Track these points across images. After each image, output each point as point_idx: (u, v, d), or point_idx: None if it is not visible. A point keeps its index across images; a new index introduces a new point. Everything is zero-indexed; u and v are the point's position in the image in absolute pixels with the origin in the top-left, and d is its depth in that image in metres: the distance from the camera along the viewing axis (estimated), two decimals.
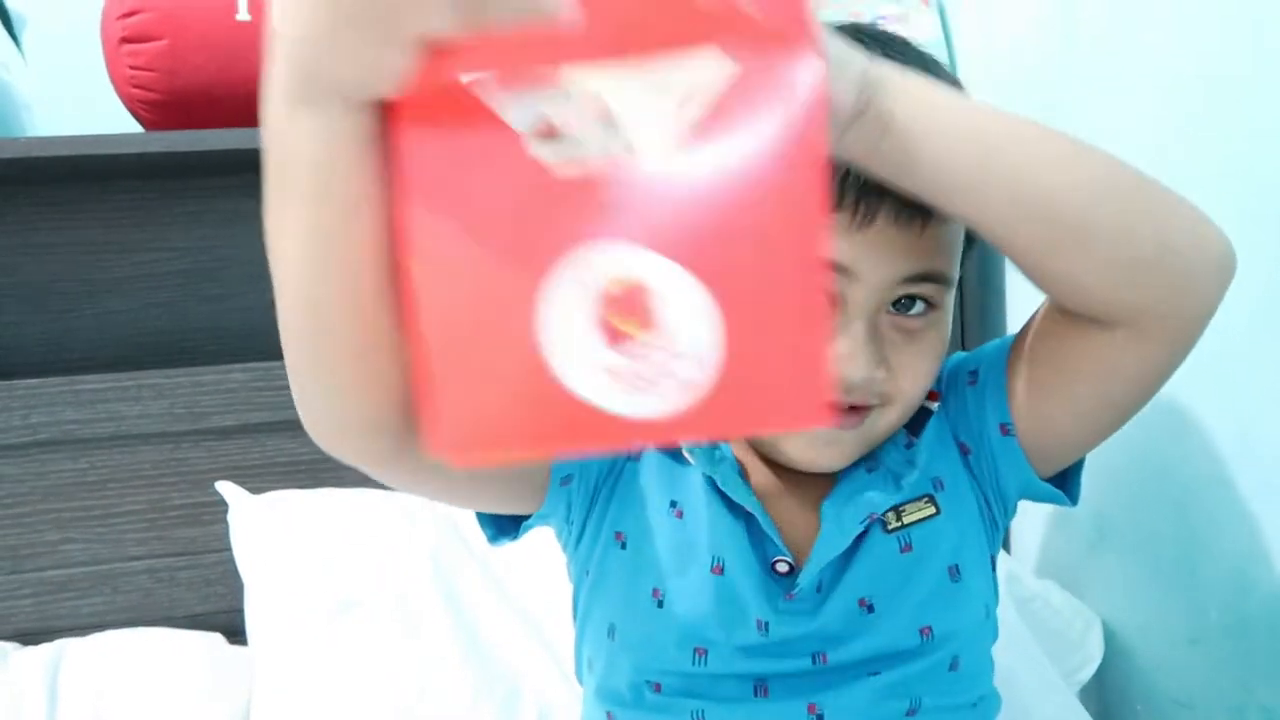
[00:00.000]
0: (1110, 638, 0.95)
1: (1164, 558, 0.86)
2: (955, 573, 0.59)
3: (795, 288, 0.32)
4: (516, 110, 0.31)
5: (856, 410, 0.55)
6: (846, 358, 0.52)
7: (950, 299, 0.56)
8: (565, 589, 0.92)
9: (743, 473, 0.59)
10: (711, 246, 0.31)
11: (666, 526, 0.59)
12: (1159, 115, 0.82)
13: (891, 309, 0.54)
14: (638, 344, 0.32)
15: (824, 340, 0.33)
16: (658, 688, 0.58)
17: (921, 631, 0.57)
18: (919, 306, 0.55)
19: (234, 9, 0.94)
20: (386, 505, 0.92)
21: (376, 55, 0.31)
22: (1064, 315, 0.53)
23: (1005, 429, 0.58)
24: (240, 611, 0.96)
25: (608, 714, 0.61)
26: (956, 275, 0.56)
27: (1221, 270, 0.48)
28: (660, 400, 0.32)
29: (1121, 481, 0.91)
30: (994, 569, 0.63)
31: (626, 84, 0.31)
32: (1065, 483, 0.61)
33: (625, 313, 0.32)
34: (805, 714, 0.57)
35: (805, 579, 0.56)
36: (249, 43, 0.95)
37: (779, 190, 0.31)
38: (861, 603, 0.57)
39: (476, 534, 0.91)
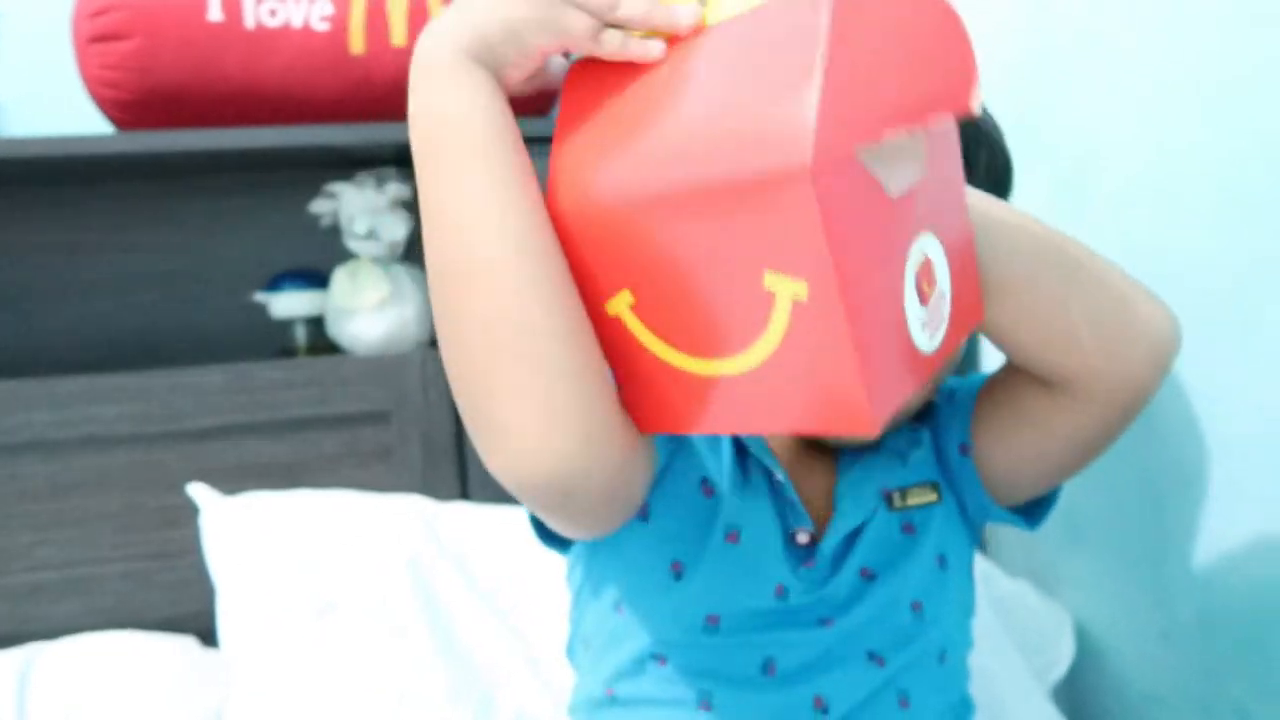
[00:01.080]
0: (1083, 634, 0.95)
1: (1136, 555, 0.87)
2: (942, 561, 0.62)
3: (968, 237, 0.49)
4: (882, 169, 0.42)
5: None
6: None
7: None
8: (545, 591, 0.92)
9: (766, 441, 0.62)
10: (944, 223, 0.47)
11: (694, 501, 0.60)
12: (1135, 115, 0.83)
13: None
14: (932, 299, 0.45)
15: (977, 265, 0.50)
16: (663, 662, 0.59)
17: (913, 606, 0.60)
18: None
19: (205, 9, 0.94)
20: (362, 507, 0.92)
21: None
22: (1018, 367, 0.58)
23: (964, 449, 0.62)
24: (215, 614, 0.96)
25: (608, 690, 0.61)
26: None
27: (1156, 355, 0.53)
28: (936, 336, 0.46)
29: (1094, 481, 0.92)
30: (971, 574, 0.66)
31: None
32: (1033, 510, 0.65)
33: (926, 279, 0.45)
34: (812, 709, 0.58)
35: (825, 548, 0.59)
36: (221, 42, 0.95)
37: (958, 183, 0.48)
38: (864, 572, 0.60)
39: (453, 536, 0.92)
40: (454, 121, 0.43)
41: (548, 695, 0.81)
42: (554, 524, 0.50)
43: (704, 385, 0.44)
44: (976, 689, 0.86)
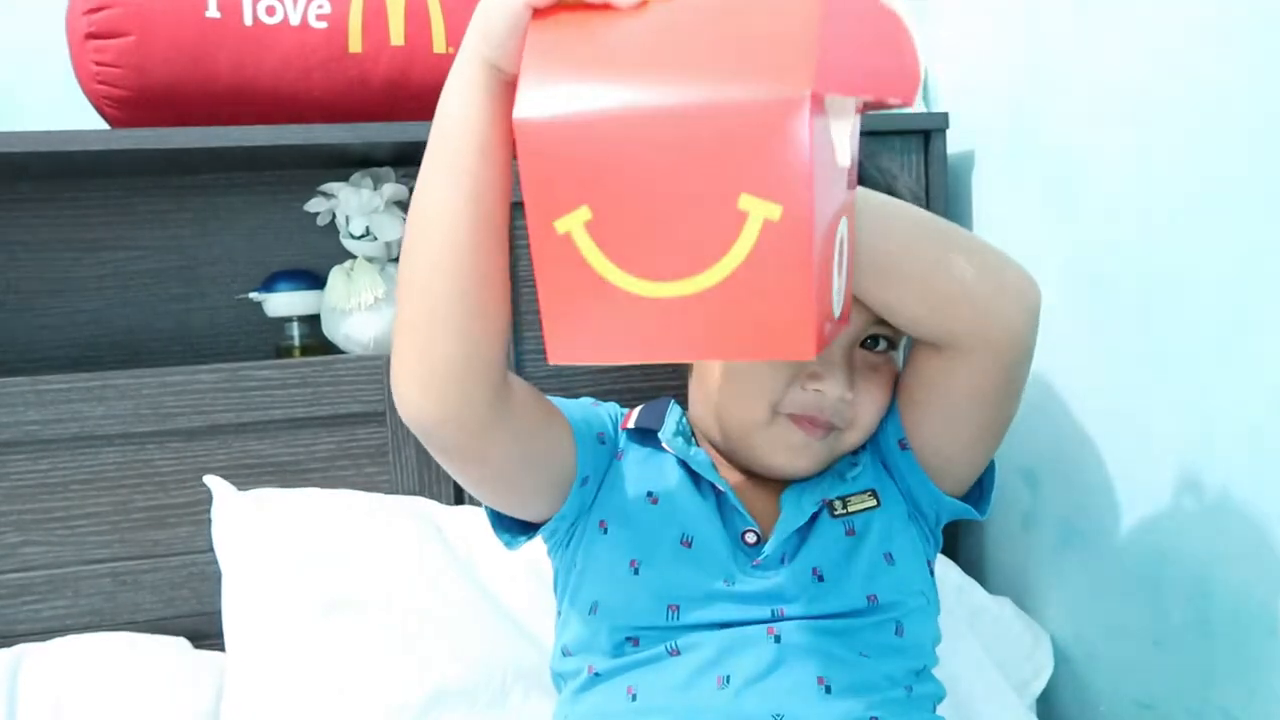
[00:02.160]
0: (1076, 641, 0.96)
1: (1128, 562, 0.88)
2: (890, 558, 0.68)
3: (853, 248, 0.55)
4: None
5: (827, 427, 0.67)
6: (827, 379, 0.64)
7: (903, 341, 0.69)
8: (552, 593, 0.92)
9: (713, 464, 0.69)
10: (849, 224, 0.51)
11: (642, 512, 0.68)
12: (1125, 121, 0.83)
13: (860, 345, 0.67)
14: (841, 277, 0.50)
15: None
16: (636, 642, 0.66)
17: (869, 598, 0.66)
18: (882, 344, 0.68)
19: (204, 5, 0.93)
20: (372, 507, 0.92)
21: None
22: (918, 344, 0.65)
23: (902, 444, 0.69)
24: (205, 615, 0.95)
25: (589, 668, 0.67)
26: None
27: (1022, 306, 0.61)
28: (839, 309, 0.50)
29: (1087, 488, 0.92)
30: (931, 572, 0.72)
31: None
32: (978, 496, 0.72)
33: (841, 255, 0.49)
34: (765, 635, 0.64)
35: (772, 546, 0.66)
36: (218, 39, 0.94)
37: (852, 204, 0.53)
38: (814, 572, 0.66)
39: (459, 536, 0.92)
40: (443, 116, 0.53)
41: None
42: (458, 475, 0.62)
43: (645, 310, 0.44)
44: (949, 696, 0.86)
